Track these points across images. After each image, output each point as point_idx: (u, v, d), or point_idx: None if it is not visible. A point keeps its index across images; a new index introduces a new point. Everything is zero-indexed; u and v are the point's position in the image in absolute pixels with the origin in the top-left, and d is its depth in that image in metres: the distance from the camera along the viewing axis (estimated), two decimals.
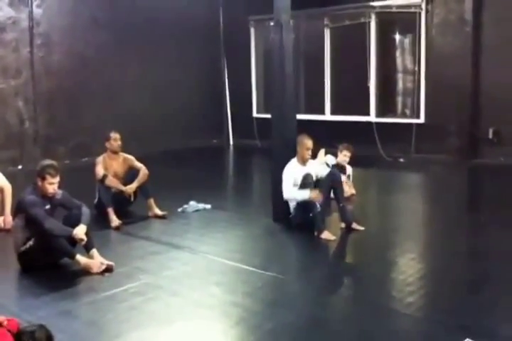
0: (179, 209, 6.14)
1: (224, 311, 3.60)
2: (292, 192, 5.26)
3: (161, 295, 3.80)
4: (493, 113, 8.83)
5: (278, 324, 3.36)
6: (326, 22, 10.98)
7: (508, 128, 8.72)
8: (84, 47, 9.87)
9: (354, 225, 5.32)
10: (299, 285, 4.13)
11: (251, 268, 4.31)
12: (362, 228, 5.31)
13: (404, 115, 10.30)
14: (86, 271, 4.16)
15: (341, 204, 5.33)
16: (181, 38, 11.20)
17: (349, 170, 6.90)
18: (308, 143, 5.41)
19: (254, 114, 11.94)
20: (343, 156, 6.71)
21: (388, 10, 10.03)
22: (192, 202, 6.26)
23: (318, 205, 5.15)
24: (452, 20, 9.31)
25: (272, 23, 5.96)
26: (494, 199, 6.85)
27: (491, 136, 8.95)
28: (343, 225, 5.35)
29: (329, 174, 5.41)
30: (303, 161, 5.42)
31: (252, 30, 11.94)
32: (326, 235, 5.05)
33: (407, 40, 10.35)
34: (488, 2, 8.94)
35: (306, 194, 5.15)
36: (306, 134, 5.51)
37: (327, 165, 6.26)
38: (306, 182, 5.30)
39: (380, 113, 10.34)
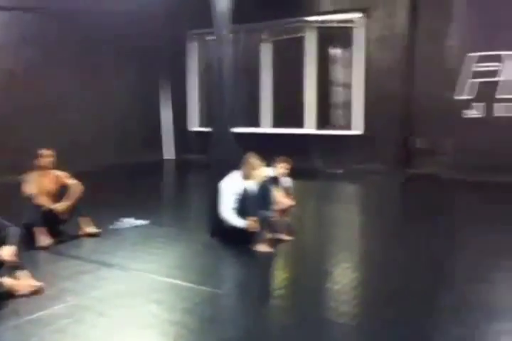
0: (111, 227, 5.99)
1: (161, 330, 3.50)
2: (230, 217, 5.22)
3: (87, 316, 3.66)
4: (427, 124, 9.12)
5: (216, 340, 3.31)
6: (264, 36, 11.10)
7: (441, 138, 9.02)
8: (14, 63, 9.59)
9: (283, 236, 5.36)
10: (236, 299, 4.09)
11: (189, 284, 4.23)
12: (290, 238, 5.35)
13: (342, 127, 10.49)
14: (11, 294, 3.98)
15: (271, 216, 5.34)
16: (118, 53, 11.07)
17: (289, 182, 6.92)
18: (255, 163, 5.38)
19: (194, 128, 11.90)
20: (281, 168, 6.73)
21: (326, 25, 10.24)
22: (126, 219, 6.13)
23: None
24: (388, 35, 9.60)
25: (211, 38, 5.96)
26: (428, 208, 7.03)
27: (425, 146, 9.23)
28: (275, 236, 5.36)
29: (262, 185, 5.41)
30: (245, 177, 5.39)
31: (192, 44, 11.94)
32: (262, 248, 5.05)
33: (344, 54, 10.58)
34: (421, 18, 9.26)
35: (242, 223, 5.14)
36: (253, 153, 5.47)
37: (266, 177, 6.26)
38: (246, 196, 5.27)
39: (318, 125, 10.49)
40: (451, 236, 5.71)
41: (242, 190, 5.26)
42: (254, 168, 5.36)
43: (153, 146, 11.83)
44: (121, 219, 6.14)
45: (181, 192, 9.08)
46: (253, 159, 5.37)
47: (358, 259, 5.13)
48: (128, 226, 6.01)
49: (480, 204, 7.11)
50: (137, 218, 6.19)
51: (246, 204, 5.22)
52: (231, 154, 5.52)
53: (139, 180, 9.43)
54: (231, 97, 5.79)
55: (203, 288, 4.16)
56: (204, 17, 6.40)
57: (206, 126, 10.85)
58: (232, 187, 5.29)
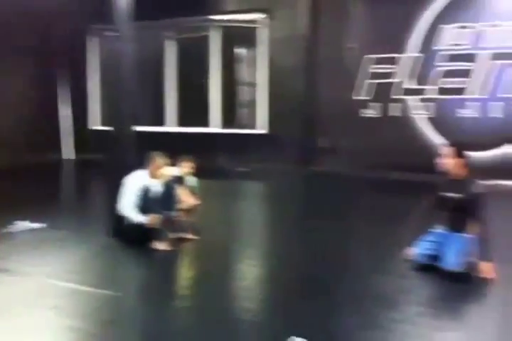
0: (5, 230, 5.67)
1: (60, 336, 3.36)
2: (130, 213, 5.13)
3: None
4: (326, 124, 9.40)
5: None
6: (168, 34, 10.98)
7: (339, 137, 9.33)
8: None
9: (187, 235, 5.33)
10: (138, 301, 4.01)
11: (88, 288, 4.09)
12: (194, 237, 5.33)
13: (246, 126, 10.58)
14: None
15: (175, 215, 5.30)
16: (14, 50, 10.51)
17: (192, 181, 6.90)
18: (160, 162, 5.30)
19: (95, 127, 11.55)
20: (186, 168, 6.70)
21: (230, 24, 10.29)
22: (21, 222, 5.84)
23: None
24: (291, 36, 9.79)
25: (112, 34, 5.80)
26: (327, 204, 7.26)
27: (324, 145, 9.52)
28: (177, 236, 5.31)
29: (165, 185, 5.36)
30: (152, 176, 5.29)
31: (93, 40, 11.58)
32: (162, 246, 4.99)
33: (248, 54, 10.68)
34: (322, 20, 9.52)
35: (143, 219, 5.05)
36: (159, 152, 5.37)
37: (170, 176, 6.20)
38: (148, 195, 5.17)
39: (222, 124, 10.53)
40: (351, 230, 5.93)
41: (145, 189, 5.17)
42: (159, 167, 5.29)
43: (52, 146, 11.36)
44: (16, 222, 5.84)
45: (79, 193, 8.79)
46: (158, 158, 5.29)
47: (262, 256, 5.19)
48: (23, 229, 5.73)
49: (377, 199, 7.42)
50: (33, 221, 5.91)
51: (148, 203, 5.14)
52: (131, 153, 5.40)
53: (35, 182, 9.01)
54: (132, 95, 5.68)
55: (103, 291, 4.03)
56: (104, 12, 6.23)
57: (108, 124, 10.57)
58: (135, 185, 5.19)
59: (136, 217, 5.09)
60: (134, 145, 5.60)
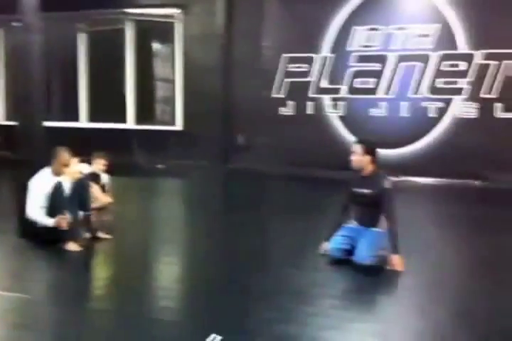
0: None
1: None
2: (37, 216, 4.90)
3: None
4: (243, 121, 9.44)
5: None
6: (80, 26, 10.62)
7: (255, 135, 9.40)
8: None
9: (100, 234, 5.18)
10: (50, 304, 3.83)
11: None
12: (108, 236, 5.19)
13: (162, 122, 10.44)
14: None
15: (87, 213, 5.13)
16: None
17: (105, 178, 6.71)
18: (65, 158, 5.05)
19: (1, 122, 11.01)
20: (98, 164, 6.50)
21: (144, 18, 10.09)
22: None
23: (68, 216, 4.91)
24: (205, 33, 9.74)
25: (18, 25, 5.51)
26: (244, 200, 7.30)
27: (241, 142, 9.57)
28: (90, 235, 5.16)
29: (77, 182, 5.17)
30: (56, 174, 5.07)
31: (1, 32, 11.02)
32: (74, 246, 4.81)
33: (164, 49, 10.53)
34: (237, 17, 9.53)
35: (50, 221, 4.84)
36: (65, 147, 5.11)
37: (81, 174, 6.00)
38: (56, 193, 4.95)
39: (138, 120, 10.33)
40: (267, 226, 6.00)
41: (54, 188, 4.95)
42: (65, 164, 5.06)
43: None
44: None
45: None
46: (64, 154, 5.06)
47: (178, 254, 5.13)
48: None
49: (293, 196, 7.55)
50: None
51: (58, 203, 4.93)
52: (40, 149, 5.17)
53: None
54: (40, 89, 5.43)
55: (13, 294, 3.84)
56: (10, 1, 5.93)
57: (14, 119, 10.08)
58: (41, 184, 4.95)
59: (43, 219, 4.87)
60: (44, 141, 5.36)
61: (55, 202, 4.92)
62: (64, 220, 4.83)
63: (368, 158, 4.45)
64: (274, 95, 9.29)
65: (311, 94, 9.09)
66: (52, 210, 4.92)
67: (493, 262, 4.62)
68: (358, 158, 4.45)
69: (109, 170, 6.71)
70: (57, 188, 4.95)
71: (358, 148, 4.46)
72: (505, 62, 7.91)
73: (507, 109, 7.99)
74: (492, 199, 7.28)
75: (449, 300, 3.79)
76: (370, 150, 4.46)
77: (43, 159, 5.19)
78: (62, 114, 10.99)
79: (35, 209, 4.91)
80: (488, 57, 8.00)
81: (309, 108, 9.12)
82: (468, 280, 4.20)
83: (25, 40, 5.25)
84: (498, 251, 4.90)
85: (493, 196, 7.41)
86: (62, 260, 4.72)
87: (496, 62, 7.97)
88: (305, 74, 9.12)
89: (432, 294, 3.87)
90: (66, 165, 5.08)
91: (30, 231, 5.07)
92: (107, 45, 10.68)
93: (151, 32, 10.56)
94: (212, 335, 3.11)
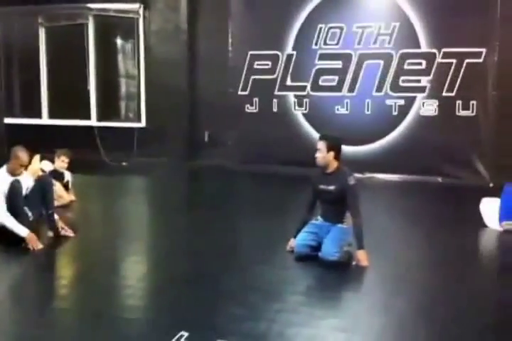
0: None
1: None
2: (9, 221, 4.72)
3: None
4: (208, 118, 9.40)
5: None
6: (40, 20, 10.39)
7: (220, 131, 9.37)
8: None
9: (63, 232, 5.07)
10: (10, 305, 3.75)
11: None
12: (72, 234, 5.10)
13: (126, 119, 10.31)
14: None
15: (50, 212, 5.02)
16: None
17: (68, 176, 6.61)
18: (23, 158, 4.88)
19: None
20: (61, 162, 6.41)
21: (106, 13, 9.93)
22: None
23: (30, 214, 4.83)
24: (169, 28, 9.65)
25: None
26: (211, 197, 7.28)
27: (206, 139, 9.52)
28: (50, 234, 5.05)
29: (39, 180, 5.06)
30: (12, 174, 4.93)
31: None
32: (34, 245, 4.69)
33: (127, 45, 10.38)
34: (201, 13, 9.47)
35: (23, 232, 4.69)
36: (22, 146, 4.95)
37: (43, 171, 5.90)
38: (14, 192, 4.82)
39: (101, 117, 10.18)
40: (234, 223, 5.99)
41: (9, 187, 4.82)
42: (22, 164, 4.92)
43: None
44: None
45: None
46: (21, 152, 4.91)
47: (144, 252, 5.09)
48: None
49: (260, 192, 7.56)
50: None
51: (15, 202, 4.80)
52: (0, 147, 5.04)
53: None
54: None
55: None
56: None
57: None
58: (1, 184, 4.81)
59: (16, 228, 4.70)
60: (4, 138, 5.23)
61: (13, 202, 4.80)
62: (36, 241, 4.69)
63: (332, 155, 4.47)
64: (240, 92, 9.26)
65: (276, 92, 9.10)
66: (11, 210, 4.79)
67: (454, 257, 4.72)
68: (323, 155, 4.47)
69: (72, 168, 6.62)
70: (14, 187, 4.83)
71: (321, 145, 4.47)
72: (466, 60, 8.07)
73: (466, 107, 8.16)
74: (453, 195, 7.43)
75: (412, 294, 3.86)
76: (334, 146, 4.48)
77: (2, 157, 5.06)
78: (23, 110, 10.74)
79: (6, 214, 4.76)
80: (450, 55, 8.15)
81: (275, 105, 9.13)
82: (431, 275, 4.29)
83: None
84: (460, 247, 5.01)
85: (454, 192, 7.56)
86: (25, 259, 4.61)
87: (457, 61, 8.12)
88: (271, 71, 9.12)
89: (396, 288, 3.93)
90: (23, 165, 4.94)
91: None
92: (68, 41, 10.46)
93: (114, 27, 10.39)
94: (180, 333, 3.09)
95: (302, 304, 3.63)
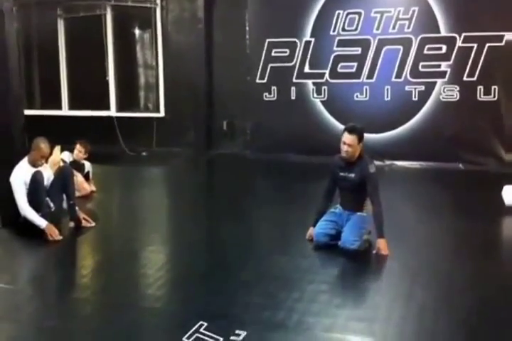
0: None
1: None
2: (30, 214, 4.80)
3: None
4: (226, 107, 9.37)
5: (6, 339, 3.06)
6: (59, 12, 10.43)
7: (239, 120, 9.35)
8: None
9: (84, 223, 5.12)
10: (30, 294, 3.80)
11: None
12: (92, 224, 5.14)
13: (145, 109, 10.34)
14: None
15: (71, 202, 5.07)
16: None
17: (88, 166, 6.66)
18: (45, 149, 4.92)
19: None
20: (80, 152, 6.45)
21: (124, 3, 9.93)
22: None
23: (51, 205, 4.89)
24: (186, 17, 9.61)
25: None
26: (230, 187, 7.28)
27: (225, 127, 9.51)
28: (72, 224, 5.10)
29: (60, 171, 5.11)
30: (34, 165, 4.98)
31: None
32: (58, 235, 4.74)
33: (145, 35, 10.37)
34: (218, 2, 9.41)
35: (43, 223, 4.75)
36: (44, 137, 5.00)
37: (64, 162, 5.95)
38: (35, 183, 4.87)
39: (120, 107, 10.22)
40: (252, 212, 5.97)
41: (31, 179, 4.87)
42: (43, 156, 4.97)
43: None
44: None
45: None
46: (42, 143, 4.95)
47: (163, 241, 5.11)
48: None
49: (278, 181, 7.54)
50: None
51: (36, 193, 4.86)
52: (18, 139, 5.10)
53: None
54: (18, 77, 5.34)
55: None
56: None
57: None
58: (22, 177, 4.87)
59: (36, 219, 4.77)
60: (23, 129, 5.28)
61: (35, 193, 4.86)
62: (54, 232, 4.75)
63: (361, 146, 4.40)
64: (258, 80, 9.21)
65: (294, 80, 9.03)
66: (32, 201, 4.86)
67: (476, 245, 4.66)
68: (354, 149, 4.36)
69: (91, 158, 6.67)
70: (36, 178, 4.88)
71: (352, 139, 4.32)
72: (488, 44, 7.91)
73: (488, 92, 8.01)
74: (475, 182, 7.32)
75: (433, 283, 3.82)
76: (362, 137, 4.41)
77: (23, 148, 5.13)
78: (43, 102, 10.84)
79: (27, 206, 4.82)
80: (471, 39, 7.99)
81: (293, 93, 9.07)
82: (452, 264, 4.23)
83: (1, 28, 5.13)
84: (482, 234, 4.94)
85: (476, 179, 7.45)
86: (46, 249, 4.67)
87: (478, 45, 7.96)
88: (289, 59, 9.05)
89: (417, 278, 3.89)
90: (44, 157, 4.99)
91: (12, 220, 5.02)
92: (87, 32, 10.50)
93: (132, 18, 10.38)
94: (199, 322, 3.10)
95: (321, 293, 3.61)
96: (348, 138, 4.35)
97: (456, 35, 8.06)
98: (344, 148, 4.38)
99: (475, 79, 8.02)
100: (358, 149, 4.39)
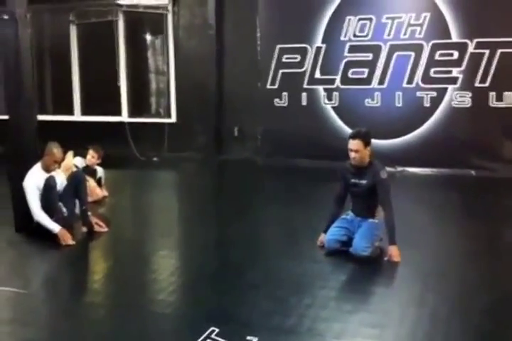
0: None
1: None
2: (43, 219, 4.85)
3: None
4: (237, 112, 9.40)
5: None
6: (71, 18, 10.52)
7: (250, 126, 9.37)
8: None
9: (96, 227, 5.14)
10: (43, 298, 3.83)
11: None
12: (105, 229, 5.17)
13: (157, 115, 10.39)
14: None
15: (83, 207, 5.10)
16: None
17: (100, 171, 6.70)
18: (58, 154, 4.99)
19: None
20: (92, 158, 6.50)
21: (135, 9, 10.00)
22: None
23: (64, 210, 4.92)
24: (197, 24, 9.65)
25: (5, 17, 5.46)
26: (240, 192, 7.29)
27: (235, 133, 9.53)
28: (84, 229, 5.13)
29: (72, 176, 5.15)
30: (47, 170, 5.02)
31: None
32: (71, 240, 4.78)
33: (156, 41, 10.44)
34: (229, 8, 9.45)
35: (56, 228, 4.79)
36: (57, 142, 5.06)
37: (76, 167, 5.99)
38: (49, 188, 4.91)
39: (132, 113, 10.28)
40: (263, 216, 5.98)
41: (44, 183, 4.91)
42: (56, 161, 5.02)
43: None
44: None
45: None
46: (55, 149, 5.00)
47: (175, 246, 5.12)
48: None
49: (288, 187, 7.52)
50: None
51: (49, 198, 4.90)
52: (32, 144, 5.15)
53: None
54: (30, 83, 5.39)
55: (6, 288, 3.83)
56: None
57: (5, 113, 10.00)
58: (35, 182, 4.91)
59: (49, 224, 4.82)
60: (35, 135, 5.33)
61: (48, 198, 4.90)
62: (67, 237, 4.78)
63: (368, 150, 4.40)
64: (269, 86, 9.24)
65: (305, 85, 9.05)
66: (46, 206, 4.90)
67: (488, 251, 4.64)
68: (360, 155, 4.36)
69: (104, 164, 6.71)
70: (49, 183, 4.92)
71: (358, 145, 4.32)
72: (500, 50, 7.89)
73: (500, 99, 7.98)
74: (488, 188, 7.28)
75: (445, 289, 3.80)
76: (368, 142, 4.41)
77: (36, 153, 5.17)
78: (56, 107, 10.93)
79: (40, 211, 4.86)
80: (483, 45, 7.97)
81: (304, 99, 9.08)
82: (465, 269, 4.22)
83: (14, 33, 5.18)
84: (494, 240, 4.92)
85: (488, 185, 7.41)
86: (59, 254, 4.70)
87: (490, 51, 7.94)
88: (299, 65, 9.07)
89: (429, 284, 3.88)
90: (57, 162, 5.03)
91: (25, 225, 5.06)
92: (99, 38, 10.58)
93: (143, 23, 10.46)
94: (211, 328, 3.11)
95: (332, 299, 3.61)
96: (352, 143, 4.36)
97: (468, 41, 8.05)
98: (351, 154, 4.38)
99: (487, 85, 7.99)
100: (366, 154, 4.39)
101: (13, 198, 5.21)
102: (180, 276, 4.21)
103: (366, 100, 8.67)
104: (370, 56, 8.64)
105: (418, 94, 8.41)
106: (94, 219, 5.18)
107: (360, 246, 4.28)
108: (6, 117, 5.41)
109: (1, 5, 5.29)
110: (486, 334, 3.13)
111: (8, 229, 5.18)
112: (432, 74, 8.32)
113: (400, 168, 8.34)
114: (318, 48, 8.91)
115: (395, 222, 4.31)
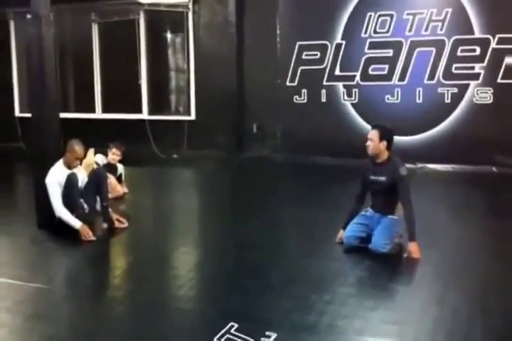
0: None
1: None
2: (65, 215, 4.92)
3: None
4: (256, 110, 9.40)
5: (40, 338, 3.12)
6: (93, 17, 10.62)
7: (269, 123, 9.36)
8: None
9: (117, 224, 5.20)
10: (64, 294, 3.87)
11: (11, 281, 3.94)
12: (125, 225, 5.22)
13: (176, 112, 10.44)
14: None
15: (104, 204, 5.16)
16: None
17: (121, 169, 6.77)
18: (79, 151, 5.05)
19: (17, 114, 11.10)
20: (113, 155, 6.56)
21: (156, 8, 10.06)
22: None
23: (85, 206, 5.00)
24: (217, 22, 9.67)
25: (29, 16, 5.54)
26: (260, 189, 7.30)
27: (255, 130, 9.53)
28: (105, 225, 5.19)
29: (93, 173, 5.21)
30: (69, 167, 5.09)
31: (12, 24, 11.06)
32: (92, 236, 4.83)
33: (177, 39, 10.49)
34: (249, 5, 9.46)
35: (77, 224, 4.86)
36: (79, 140, 5.13)
37: (97, 164, 6.06)
38: (70, 185, 4.98)
39: (152, 110, 10.35)
40: (282, 214, 5.96)
41: (66, 180, 4.97)
42: (78, 157, 5.08)
43: None
44: None
45: (4, 183, 8.40)
46: (77, 146, 5.07)
47: (194, 243, 5.15)
48: None
49: (308, 184, 7.51)
50: None
51: (71, 195, 4.96)
52: (55, 141, 5.22)
53: None
54: (54, 81, 5.46)
55: (29, 284, 3.89)
56: None
57: (28, 111, 10.14)
58: (56, 179, 4.98)
59: (70, 220, 4.89)
60: (58, 133, 5.40)
61: (69, 194, 4.96)
62: (88, 232, 4.84)
63: (383, 144, 4.40)
64: (289, 83, 9.22)
65: (325, 82, 9.01)
66: (67, 202, 4.96)
67: (509, 249, 4.57)
68: (375, 144, 4.40)
69: (124, 161, 6.77)
70: (71, 180, 4.98)
71: (374, 134, 4.40)
72: None
73: None
74: (509, 185, 7.19)
75: (467, 287, 3.76)
76: (386, 136, 4.41)
77: (58, 151, 5.24)
78: (78, 105, 11.05)
79: (62, 207, 4.94)
80: (505, 41, 7.86)
81: (323, 96, 9.05)
82: (485, 267, 4.17)
83: (38, 32, 5.26)
84: None
85: (510, 182, 7.31)
86: (80, 250, 4.76)
87: None
88: (319, 62, 9.04)
89: (450, 281, 3.84)
90: (79, 159, 5.10)
91: (48, 221, 5.13)
92: (120, 36, 10.67)
93: (164, 22, 10.51)
94: (230, 323, 3.12)
95: (352, 296, 3.61)
96: (370, 133, 4.44)
97: (490, 37, 7.95)
98: (367, 143, 4.42)
99: (510, 81, 7.88)
100: (381, 147, 4.38)
101: (36, 195, 5.29)
102: (200, 273, 4.24)
103: (386, 96, 8.62)
104: (390, 52, 8.57)
105: (439, 90, 8.33)
106: (114, 215, 5.23)
107: (380, 242, 4.26)
108: (29, 115, 5.49)
109: (25, 5, 5.38)
110: (508, 335, 3.09)
111: (30, 226, 5.25)
112: (453, 70, 8.24)
113: (420, 165, 8.27)
114: (338, 45, 8.87)
115: (415, 219, 4.28)
